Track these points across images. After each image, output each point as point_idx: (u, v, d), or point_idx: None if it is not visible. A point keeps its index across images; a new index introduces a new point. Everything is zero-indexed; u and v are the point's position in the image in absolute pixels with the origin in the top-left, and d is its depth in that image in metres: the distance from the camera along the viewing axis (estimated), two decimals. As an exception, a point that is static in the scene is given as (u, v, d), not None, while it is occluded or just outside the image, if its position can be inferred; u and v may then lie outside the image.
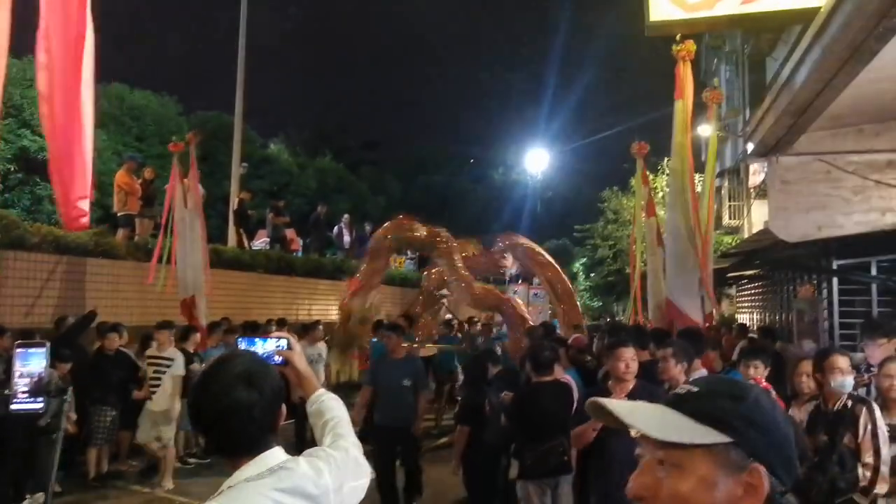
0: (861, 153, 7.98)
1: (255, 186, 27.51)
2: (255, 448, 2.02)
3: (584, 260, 39.97)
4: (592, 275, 37.94)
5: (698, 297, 8.22)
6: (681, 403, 1.28)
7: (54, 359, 8.59)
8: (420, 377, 8.01)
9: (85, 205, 7.32)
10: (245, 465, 1.99)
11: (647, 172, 11.20)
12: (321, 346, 11.31)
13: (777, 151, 8.05)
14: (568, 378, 6.70)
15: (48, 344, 4.01)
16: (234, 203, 18.86)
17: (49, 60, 6.80)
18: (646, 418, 1.29)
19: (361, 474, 2.29)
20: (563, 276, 15.63)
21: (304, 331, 11.30)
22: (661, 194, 28.96)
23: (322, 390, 2.55)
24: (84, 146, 7.17)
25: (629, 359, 5.18)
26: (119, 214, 13.66)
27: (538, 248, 15.79)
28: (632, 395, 5.02)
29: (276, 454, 2.04)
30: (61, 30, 6.83)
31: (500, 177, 54.11)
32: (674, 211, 8.33)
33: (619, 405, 1.33)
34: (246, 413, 1.99)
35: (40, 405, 3.95)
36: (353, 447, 2.33)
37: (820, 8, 5.81)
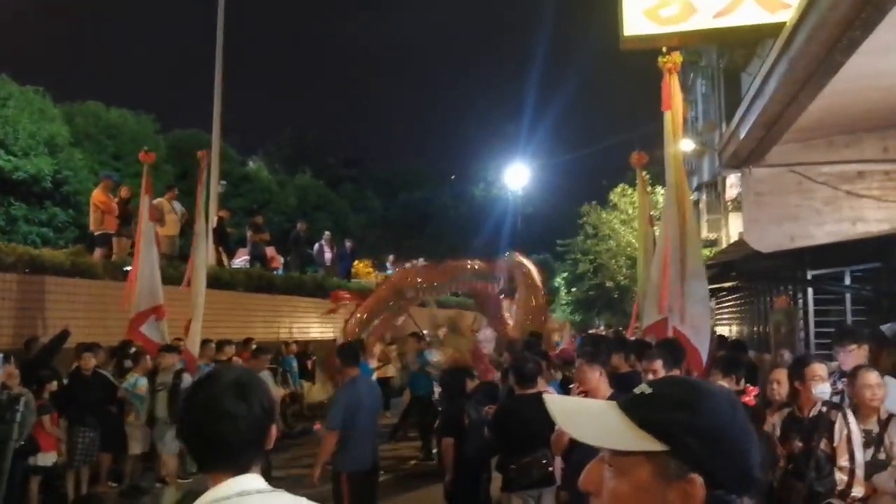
0: (831, 164, 8.11)
1: (235, 205, 27.43)
2: (236, 464, 1.94)
3: (565, 274, 40.21)
4: (573, 289, 38.16)
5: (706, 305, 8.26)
6: (632, 406, 1.29)
7: (35, 380, 8.54)
8: (331, 411, 6.91)
9: None
10: (221, 483, 1.91)
11: (647, 182, 11.01)
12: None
13: (750, 163, 8.16)
14: (551, 390, 6.76)
15: (1, 355, 4.02)
16: (212, 221, 18.81)
17: None
18: (583, 422, 1.32)
19: None
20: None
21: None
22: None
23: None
24: None
25: (578, 370, 5.41)
26: (96, 234, 13.57)
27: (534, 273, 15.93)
28: None
29: (252, 479, 1.95)
30: None
31: (480, 193, 54.24)
32: (670, 224, 8.33)
33: (557, 405, 1.36)
34: (231, 424, 1.92)
35: None
36: None
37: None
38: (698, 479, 1.20)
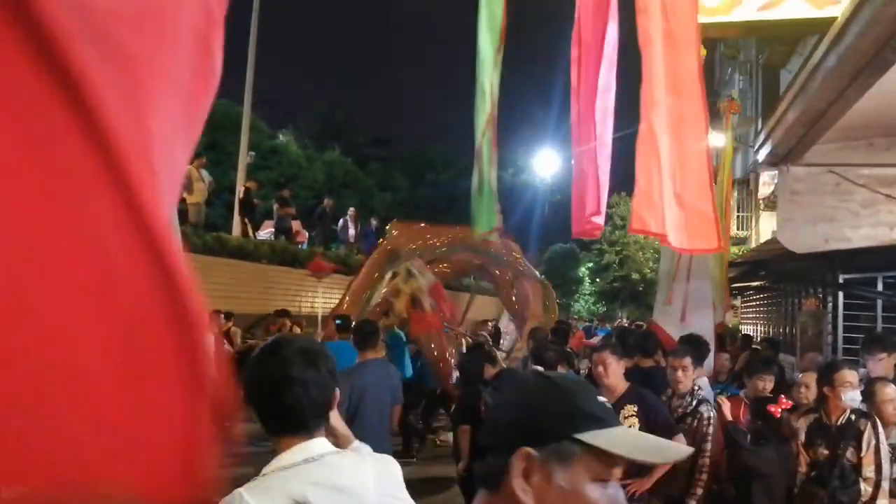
0: (871, 167, 7.93)
1: (263, 177, 27.47)
2: (305, 428, 2.02)
3: (590, 265, 40.05)
4: (598, 280, 38.00)
5: (709, 307, 8.17)
6: None
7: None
8: None
9: (598, 220, 5.67)
10: (289, 449, 1.99)
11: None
12: None
13: (788, 162, 8.00)
14: (570, 379, 6.67)
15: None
16: (239, 192, 18.85)
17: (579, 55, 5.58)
18: None
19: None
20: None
21: None
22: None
23: (357, 443, 2.47)
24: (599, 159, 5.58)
25: (600, 363, 5.24)
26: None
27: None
28: (621, 399, 5.08)
29: (320, 444, 2.04)
30: (592, 23, 5.45)
31: (509, 178, 53.95)
32: None
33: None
34: (302, 388, 2.00)
35: None
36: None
37: (835, 18, 5.79)
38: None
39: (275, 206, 19.74)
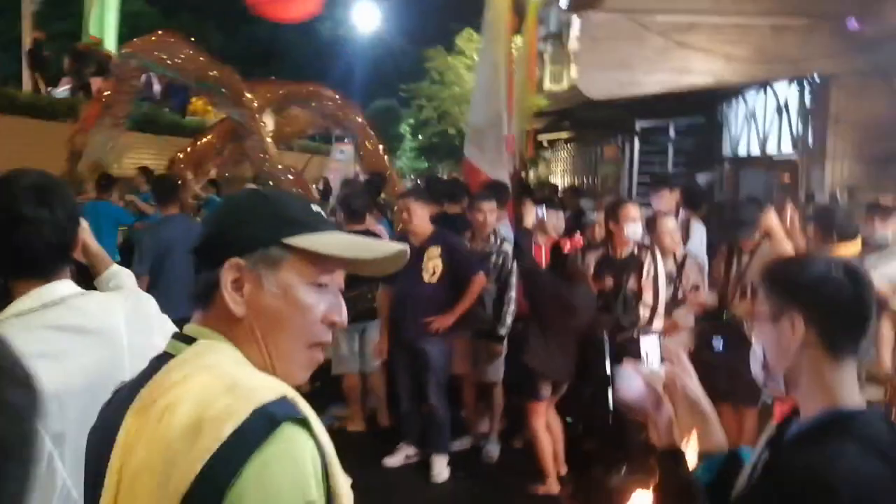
0: (666, 14, 8.20)
1: (55, 29, 25.13)
2: (41, 271, 1.81)
3: (411, 121, 40.01)
4: (419, 136, 38.15)
5: (504, 155, 8.30)
6: None
7: None
8: (136, 254, 6.14)
9: None
10: (25, 294, 1.78)
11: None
12: None
13: (588, 7, 8.14)
14: (380, 228, 6.78)
15: None
16: (27, 43, 17.22)
17: None
18: None
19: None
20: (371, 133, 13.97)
21: None
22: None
23: (116, 266, 2.31)
24: None
25: (405, 209, 5.50)
26: None
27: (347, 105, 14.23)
28: (426, 242, 5.41)
29: (63, 286, 1.83)
30: None
31: (328, 32, 52.17)
32: (485, 65, 8.19)
33: None
34: (34, 228, 1.78)
35: None
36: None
37: None
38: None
39: (67, 62, 18.15)
